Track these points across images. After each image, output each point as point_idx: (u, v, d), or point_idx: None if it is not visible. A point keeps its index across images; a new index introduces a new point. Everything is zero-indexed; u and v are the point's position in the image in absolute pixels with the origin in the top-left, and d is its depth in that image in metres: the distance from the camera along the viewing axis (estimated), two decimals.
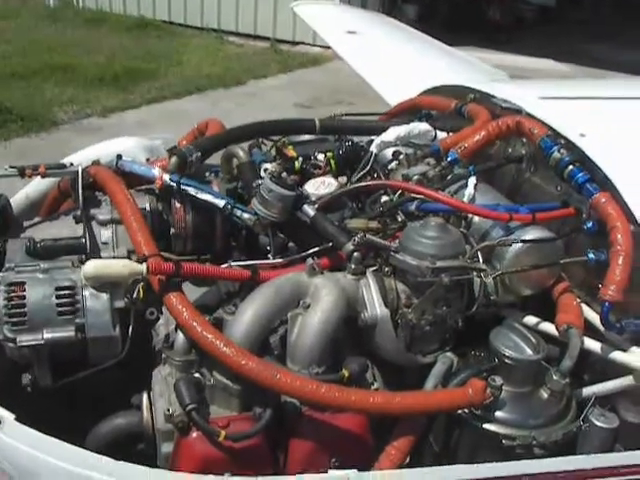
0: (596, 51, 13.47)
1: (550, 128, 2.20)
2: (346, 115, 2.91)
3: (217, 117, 2.84)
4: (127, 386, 2.01)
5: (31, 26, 13.53)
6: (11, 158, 6.64)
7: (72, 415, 2.07)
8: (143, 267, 1.84)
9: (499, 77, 4.61)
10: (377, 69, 4.46)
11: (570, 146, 2.12)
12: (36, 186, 2.50)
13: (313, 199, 2.16)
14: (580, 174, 2.03)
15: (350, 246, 1.95)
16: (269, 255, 2.16)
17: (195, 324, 1.76)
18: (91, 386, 1.99)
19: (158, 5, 14.76)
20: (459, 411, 1.80)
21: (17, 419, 1.65)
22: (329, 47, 6.10)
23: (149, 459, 1.87)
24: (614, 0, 18.30)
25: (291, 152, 2.40)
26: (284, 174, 2.09)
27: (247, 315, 1.82)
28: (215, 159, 2.44)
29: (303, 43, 13.12)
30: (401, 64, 4.57)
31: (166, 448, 1.80)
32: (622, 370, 1.86)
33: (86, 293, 1.92)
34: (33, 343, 1.87)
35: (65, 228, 2.14)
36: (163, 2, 14.69)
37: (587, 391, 1.93)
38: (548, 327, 1.98)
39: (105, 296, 1.92)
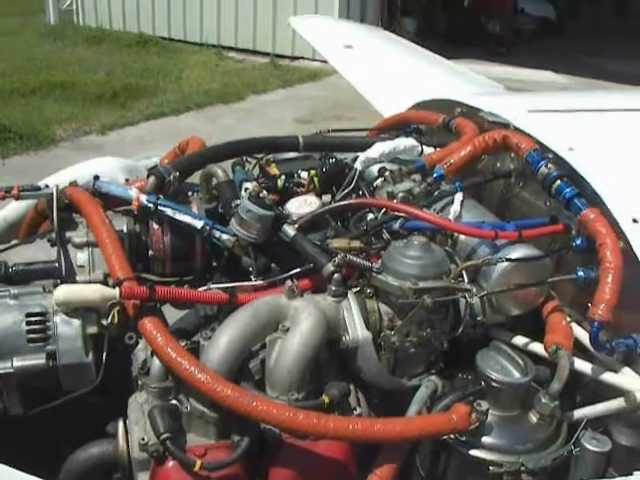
0: (595, 63, 13.51)
1: (538, 142, 2.15)
2: (333, 131, 2.87)
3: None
4: (106, 413, 1.96)
5: (32, 44, 13.64)
6: (9, 176, 6.67)
7: (49, 443, 2.02)
8: (116, 292, 1.79)
9: (495, 90, 4.57)
10: (373, 83, 4.45)
11: (558, 160, 2.07)
12: (14, 208, 2.45)
13: (294, 218, 2.11)
14: (568, 189, 1.98)
15: (330, 267, 1.90)
16: (252, 276, 2.11)
17: (169, 350, 1.71)
18: (68, 413, 1.93)
19: (158, 22, 14.86)
20: (445, 437, 1.75)
21: None
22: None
23: None
24: (613, 13, 18.41)
25: (274, 170, 2.35)
26: (263, 193, 2.03)
27: (223, 340, 1.76)
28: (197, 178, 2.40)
29: (302, 58, 13.19)
30: (397, 78, 4.56)
31: (142, 478, 1.75)
32: (614, 392, 1.80)
33: (57, 319, 1.86)
34: (2, 371, 1.81)
35: (41, 251, 2.08)
36: (163, 19, 14.80)
37: (578, 413, 1.87)
38: (537, 348, 1.93)
39: (77, 322, 1.86)
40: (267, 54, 13.58)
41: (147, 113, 9.83)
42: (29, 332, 1.85)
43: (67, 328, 1.86)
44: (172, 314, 2.08)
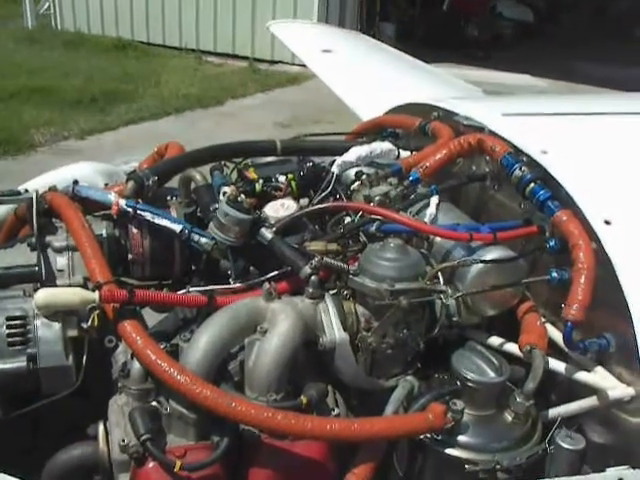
0: (573, 66, 13.59)
1: (512, 145, 2.18)
2: (311, 135, 2.89)
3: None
4: (86, 416, 1.97)
5: (9, 48, 13.51)
6: None
7: (30, 445, 2.03)
8: (95, 295, 1.80)
9: (473, 94, 4.61)
10: (352, 87, 4.46)
11: (532, 163, 2.10)
12: None
13: (272, 222, 2.13)
14: (541, 192, 2.01)
15: (308, 270, 1.92)
16: (230, 279, 2.13)
17: (149, 352, 1.72)
18: (48, 416, 1.94)
19: (136, 26, 14.78)
20: (421, 436, 1.77)
21: None
22: None
23: None
24: (591, 17, 18.56)
25: (252, 174, 2.36)
26: (241, 197, 2.05)
27: (202, 342, 1.78)
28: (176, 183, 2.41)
29: (282, 62, 13.17)
30: (376, 82, 4.57)
31: (122, 479, 1.77)
32: (587, 390, 1.84)
33: (38, 322, 1.87)
34: None
35: (20, 256, 2.09)
36: (141, 23, 14.72)
37: (553, 412, 1.90)
38: (512, 348, 1.95)
39: (57, 325, 1.87)
40: (246, 58, 13.54)
41: (126, 118, 9.77)
42: (9, 335, 1.85)
43: (47, 331, 1.87)
44: (152, 317, 2.09)
